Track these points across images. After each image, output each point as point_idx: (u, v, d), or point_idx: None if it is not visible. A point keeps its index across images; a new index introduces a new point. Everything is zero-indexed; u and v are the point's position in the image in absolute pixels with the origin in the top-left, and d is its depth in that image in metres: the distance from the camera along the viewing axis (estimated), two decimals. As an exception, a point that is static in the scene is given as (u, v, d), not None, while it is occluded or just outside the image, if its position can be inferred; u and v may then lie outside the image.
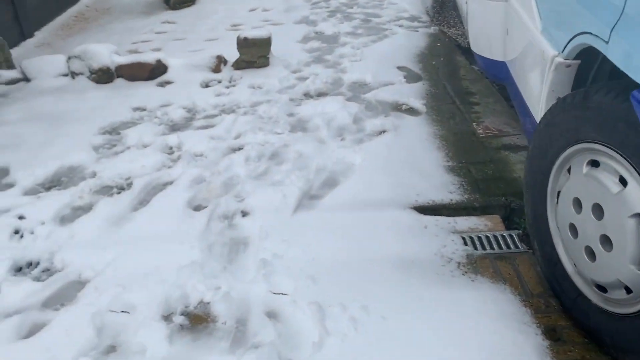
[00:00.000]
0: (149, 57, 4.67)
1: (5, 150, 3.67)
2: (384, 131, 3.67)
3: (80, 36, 6.07)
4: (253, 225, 2.82)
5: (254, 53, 4.72)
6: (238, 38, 4.70)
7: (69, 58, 4.71)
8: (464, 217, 2.83)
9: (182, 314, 2.33)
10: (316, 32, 5.75)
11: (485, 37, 3.48)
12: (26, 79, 4.75)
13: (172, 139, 3.67)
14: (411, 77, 4.52)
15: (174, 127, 3.89)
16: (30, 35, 5.95)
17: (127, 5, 7.23)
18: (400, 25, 5.82)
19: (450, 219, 2.81)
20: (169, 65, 4.75)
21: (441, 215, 2.85)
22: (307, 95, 4.29)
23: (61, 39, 5.99)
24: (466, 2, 4.15)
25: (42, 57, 4.82)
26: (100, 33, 6.13)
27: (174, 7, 6.86)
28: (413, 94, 4.17)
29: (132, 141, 3.70)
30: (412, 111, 3.95)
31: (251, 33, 4.69)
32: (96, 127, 3.91)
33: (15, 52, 5.50)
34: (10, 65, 5.05)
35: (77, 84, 4.64)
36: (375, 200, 2.92)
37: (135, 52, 5.50)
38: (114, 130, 3.89)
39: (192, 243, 2.68)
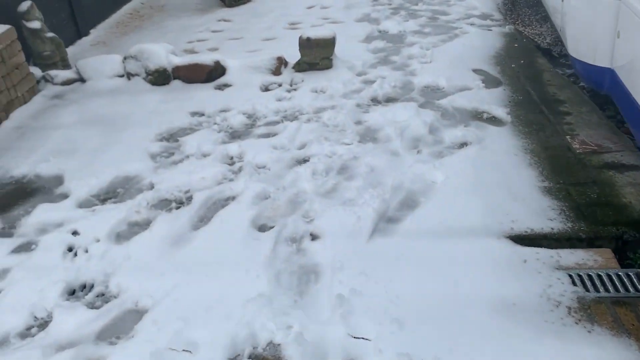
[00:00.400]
0: (207, 59, 4.44)
1: (60, 155, 3.50)
2: (465, 143, 3.30)
3: (135, 34, 5.92)
4: (324, 251, 2.51)
5: (317, 54, 4.41)
6: (300, 39, 4.40)
7: (125, 58, 4.53)
8: (569, 250, 2.44)
9: (249, 357, 2.05)
10: (380, 31, 5.39)
11: (588, 40, 3.06)
12: (82, 80, 4.61)
13: (233, 148, 3.41)
14: (490, 81, 4.11)
15: (234, 135, 3.64)
16: (86, 34, 5.85)
17: (181, 2, 7.07)
18: (472, 24, 5.39)
19: (553, 252, 2.43)
20: (228, 67, 4.50)
21: (541, 246, 2.47)
22: (375, 101, 3.96)
23: (116, 37, 5.86)
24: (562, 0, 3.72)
25: (97, 57, 4.67)
26: (155, 31, 5.96)
27: (230, 5, 6.64)
28: (494, 101, 3.77)
29: (190, 149, 3.46)
30: (494, 120, 3.56)
31: (314, 33, 4.39)
32: (153, 133, 3.70)
33: (70, 51, 5.39)
34: (66, 65, 4.93)
35: (133, 86, 4.46)
36: (464, 227, 2.57)
37: (192, 51, 5.30)
38: (172, 137, 3.67)
39: (257, 271, 2.41)
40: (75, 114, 4.08)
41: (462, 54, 4.60)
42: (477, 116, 3.63)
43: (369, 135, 3.48)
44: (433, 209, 2.70)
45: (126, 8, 6.79)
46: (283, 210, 2.82)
